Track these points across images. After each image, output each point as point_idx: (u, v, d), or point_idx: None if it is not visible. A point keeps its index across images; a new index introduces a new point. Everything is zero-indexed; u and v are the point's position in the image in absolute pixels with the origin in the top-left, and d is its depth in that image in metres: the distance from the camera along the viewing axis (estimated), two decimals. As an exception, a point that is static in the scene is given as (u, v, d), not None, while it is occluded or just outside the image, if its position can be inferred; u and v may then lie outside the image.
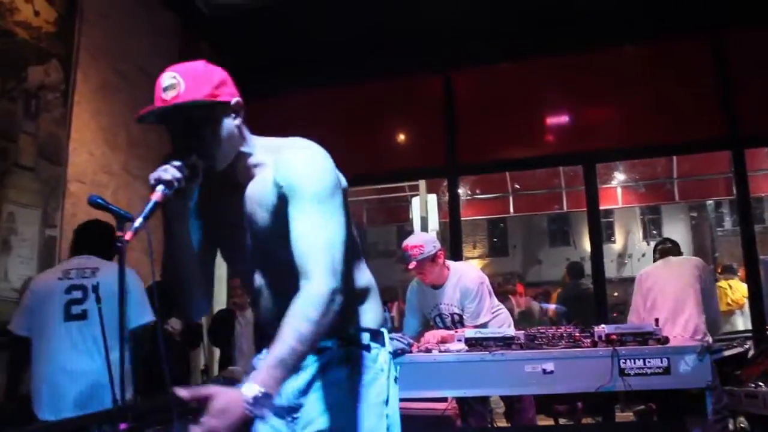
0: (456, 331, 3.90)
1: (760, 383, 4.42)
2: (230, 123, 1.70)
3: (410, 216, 11.90)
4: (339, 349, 1.74)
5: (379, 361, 1.78)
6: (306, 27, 6.02)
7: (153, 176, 1.61)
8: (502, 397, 4.75)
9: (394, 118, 6.70)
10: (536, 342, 3.53)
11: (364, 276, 1.83)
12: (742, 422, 4.74)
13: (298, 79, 6.67)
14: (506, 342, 3.51)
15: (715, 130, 5.94)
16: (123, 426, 2.23)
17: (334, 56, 6.29)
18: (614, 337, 3.47)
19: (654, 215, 20.10)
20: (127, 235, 1.55)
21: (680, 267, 5.08)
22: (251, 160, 1.74)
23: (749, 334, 5.84)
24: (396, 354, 3.29)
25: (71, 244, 3.81)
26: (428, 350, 3.62)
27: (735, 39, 5.94)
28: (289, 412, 1.75)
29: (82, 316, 3.34)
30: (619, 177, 10.46)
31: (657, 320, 3.93)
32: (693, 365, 3.42)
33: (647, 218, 20.32)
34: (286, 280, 1.63)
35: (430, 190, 8.83)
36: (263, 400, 1.40)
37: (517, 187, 10.35)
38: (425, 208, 8.56)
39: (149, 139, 5.90)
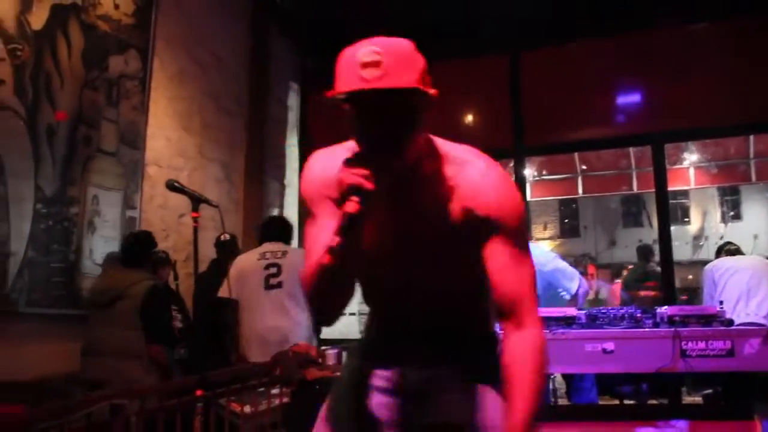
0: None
1: (833, 368, 4.32)
2: (424, 120, 1.45)
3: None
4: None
5: None
6: (374, 11, 6.11)
7: (349, 180, 1.37)
8: (564, 377, 4.78)
9: (462, 100, 6.73)
10: (597, 322, 3.57)
11: None
12: (814, 408, 4.64)
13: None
14: (567, 321, 3.56)
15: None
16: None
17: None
18: (676, 318, 3.47)
19: (732, 196, 19.44)
20: (330, 248, 1.38)
21: (750, 259, 5.08)
22: (428, 162, 1.52)
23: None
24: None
25: (260, 232, 4.76)
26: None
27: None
28: None
29: (278, 286, 4.37)
30: (692, 157, 10.20)
31: (722, 302, 3.89)
32: (758, 348, 3.39)
33: (725, 199, 19.66)
34: (436, 303, 1.58)
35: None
36: None
37: (585, 168, 10.22)
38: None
39: (222, 122, 6.14)
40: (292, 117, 7.08)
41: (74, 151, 4.41)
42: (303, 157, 7.06)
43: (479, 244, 1.48)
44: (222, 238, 4.98)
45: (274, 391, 3.80)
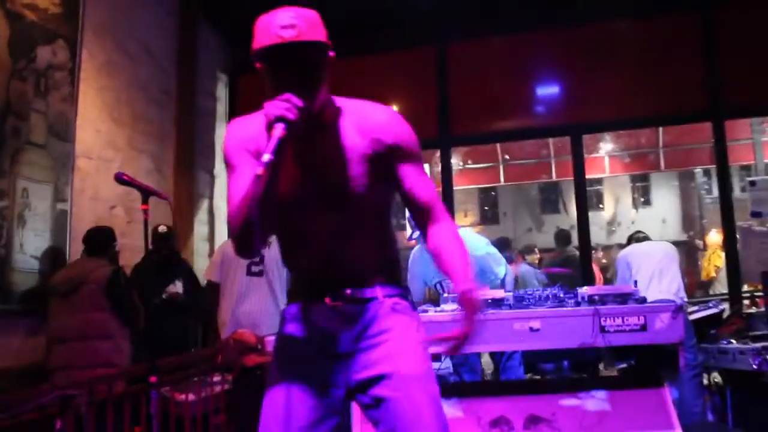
0: (445, 293, 4.18)
1: (732, 340, 4.74)
2: (327, 74, 1.77)
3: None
4: (407, 298, 1.94)
5: None
6: (304, 4, 6.18)
7: (273, 113, 1.63)
8: (492, 357, 5.04)
9: (389, 90, 6.90)
10: (524, 302, 3.81)
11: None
12: (716, 377, 5.06)
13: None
14: (496, 302, 3.79)
15: (698, 103, 6.19)
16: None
17: (330, 33, 6.47)
18: (596, 297, 3.75)
19: (642, 183, 20.36)
20: (259, 170, 1.57)
21: (660, 244, 5.60)
22: (331, 110, 1.83)
23: (725, 297, 6.17)
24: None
25: None
26: (424, 311, 3.90)
27: (719, 17, 6.16)
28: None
29: (259, 274, 4.80)
30: (606, 147, 10.74)
31: (636, 282, 4.22)
32: (668, 322, 3.71)
33: (636, 186, 20.57)
34: (352, 223, 1.84)
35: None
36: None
37: (507, 157, 10.60)
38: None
39: (151, 113, 6.11)
40: (221, 108, 7.09)
41: (2, 143, 4.35)
42: (233, 148, 7.10)
43: (388, 171, 1.84)
44: (159, 229, 5.02)
45: (216, 378, 3.90)
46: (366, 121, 1.84)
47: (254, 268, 4.76)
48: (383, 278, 1.90)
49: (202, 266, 6.14)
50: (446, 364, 4.76)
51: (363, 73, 6.58)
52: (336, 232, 1.84)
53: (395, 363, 1.80)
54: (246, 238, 1.75)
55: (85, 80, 5.21)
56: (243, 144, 1.83)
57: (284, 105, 1.63)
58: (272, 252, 4.72)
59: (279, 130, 1.61)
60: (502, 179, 11.33)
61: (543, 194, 21.33)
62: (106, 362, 3.89)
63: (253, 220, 1.67)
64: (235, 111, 7.12)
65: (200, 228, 6.56)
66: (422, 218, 1.88)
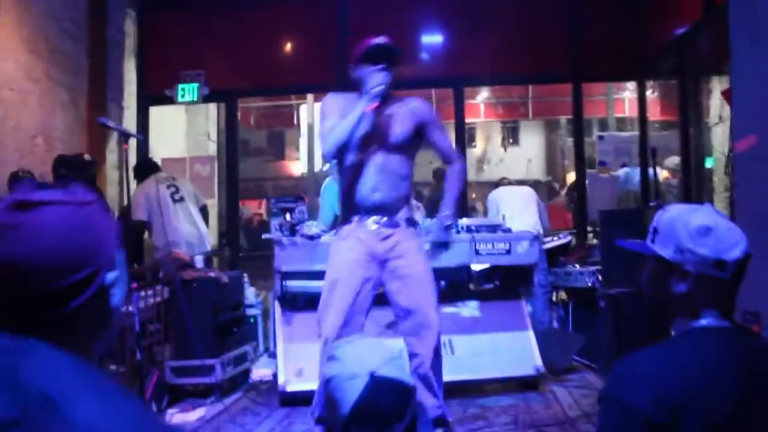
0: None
1: (576, 265, 5.87)
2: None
3: (295, 122, 12.72)
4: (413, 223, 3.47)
5: None
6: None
7: (376, 91, 3.16)
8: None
9: (294, 37, 7.51)
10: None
11: None
12: (562, 294, 6.22)
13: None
14: (393, 230, 4.62)
15: (560, 66, 7.22)
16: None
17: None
18: (472, 227, 4.66)
19: (513, 125, 21.76)
20: (368, 109, 3.18)
21: (521, 187, 6.96)
22: (392, 95, 3.36)
23: (573, 230, 7.37)
24: (314, 237, 4.36)
25: (142, 168, 5.93)
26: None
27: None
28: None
29: (181, 200, 5.61)
30: (482, 95, 11.80)
31: (503, 217, 5.18)
32: (526, 248, 4.69)
33: (507, 127, 21.93)
34: (394, 161, 3.29)
35: (316, 100, 9.71)
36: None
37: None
38: (312, 115, 9.44)
39: (66, 47, 6.37)
40: (129, 43, 7.38)
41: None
42: (141, 82, 7.43)
43: (421, 134, 3.37)
44: (85, 157, 5.46)
45: (150, 292, 4.50)
46: (410, 103, 3.40)
47: (176, 196, 5.49)
48: (404, 208, 3.36)
49: (112, 193, 6.60)
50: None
51: (267, 22, 7.14)
52: (381, 166, 3.25)
53: (413, 267, 3.32)
54: (339, 149, 3.24)
55: (5, 12, 5.45)
56: (339, 103, 3.32)
57: (383, 78, 3.16)
58: (187, 184, 5.71)
59: (379, 89, 3.15)
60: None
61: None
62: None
63: (346, 140, 3.21)
64: (143, 47, 7.44)
65: (111, 156, 6.92)
66: (443, 158, 3.57)
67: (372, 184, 3.27)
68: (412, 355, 3.28)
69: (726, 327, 1.46)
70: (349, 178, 3.31)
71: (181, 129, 8.80)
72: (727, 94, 4.83)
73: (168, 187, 5.56)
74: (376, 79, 3.16)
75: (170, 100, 7.29)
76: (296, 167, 17.17)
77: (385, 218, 3.30)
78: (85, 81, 6.63)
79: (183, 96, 7.20)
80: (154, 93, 7.40)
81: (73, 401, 0.88)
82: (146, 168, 5.80)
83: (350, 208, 3.35)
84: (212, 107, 8.80)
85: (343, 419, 1.48)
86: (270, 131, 17.33)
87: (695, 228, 1.45)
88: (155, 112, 7.68)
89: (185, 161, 7.75)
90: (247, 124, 13.28)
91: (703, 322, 1.46)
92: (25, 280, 0.94)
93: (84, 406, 0.88)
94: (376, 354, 1.54)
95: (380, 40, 3.26)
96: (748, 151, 3.42)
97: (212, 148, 8.90)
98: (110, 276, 1.02)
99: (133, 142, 7.04)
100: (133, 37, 7.45)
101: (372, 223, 3.29)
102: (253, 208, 13.58)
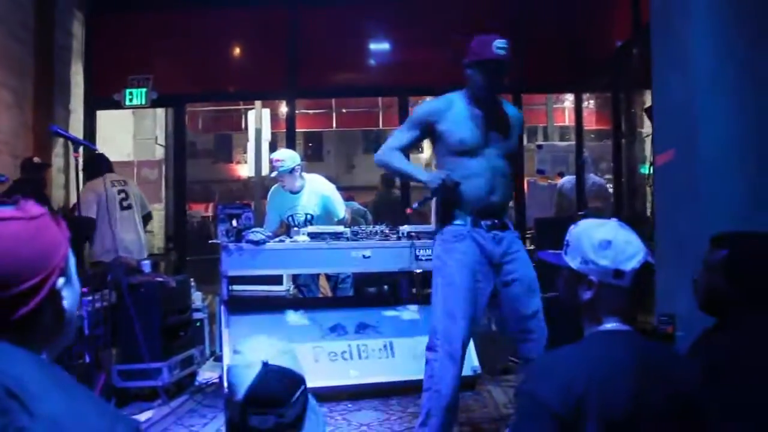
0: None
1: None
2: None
3: (243, 126, 12.77)
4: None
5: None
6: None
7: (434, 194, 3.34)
8: (328, 280, 6.06)
9: (244, 43, 7.62)
10: (358, 236, 4.82)
11: None
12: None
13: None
14: (336, 235, 4.78)
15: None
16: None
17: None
18: (413, 233, 4.85)
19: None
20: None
21: None
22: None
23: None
24: (258, 242, 4.49)
25: (94, 165, 5.68)
26: (281, 240, 4.81)
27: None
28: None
29: (129, 207, 5.62)
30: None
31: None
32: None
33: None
34: (505, 165, 3.31)
35: (264, 106, 9.82)
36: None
37: (345, 111, 11.61)
38: (260, 120, 9.54)
39: (12, 48, 6.34)
40: (77, 45, 7.35)
41: None
42: (88, 85, 7.42)
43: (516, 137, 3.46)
44: (34, 160, 5.52)
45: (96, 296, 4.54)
46: (507, 108, 3.44)
47: (125, 203, 5.53)
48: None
49: (57, 195, 6.59)
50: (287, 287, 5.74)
51: (219, 28, 7.25)
52: (496, 169, 3.26)
53: (525, 270, 3.28)
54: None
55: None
56: (429, 117, 3.32)
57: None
58: (135, 189, 5.76)
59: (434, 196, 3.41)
60: (334, 125, 12.32)
61: (365, 135, 22.32)
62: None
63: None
64: (91, 50, 7.42)
65: (56, 160, 6.89)
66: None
67: (489, 186, 3.24)
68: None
69: (626, 330, 1.67)
70: (461, 179, 3.22)
71: (128, 132, 8.80)
72: (649, 112, 5.14)
73: (119, 192, 5.55)
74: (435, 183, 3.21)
75: (118, 105, 7.29)
76: (244, 170, 17.19)
77: (497, 221, 3.28)
78: (30, 84, 6.61)
79: (131, 100, 7.21)
80: (102, 96, 7.38)
81: (36, 395, 0.99)
82: (98, 165, 5.62)
83: (461, 209, 3.26)
84: (160, 111, 8.82)
85: (239, 403, 1.70)
86: (217, 134, 17.32)
87: (597, 242, 1.66)
88: (102, 115, 7.66)
89: (133, 165, 7.76)
90: (195, 128, 13.27)
91: (608, 326, 1.66)
92: None
93: (47, 400, 0.99)
94: (271, 347, 1.78)
95: (501, 46, 3.19)
96: (666, 165, 3.69)
97: (159, 152, 8.92)
98: (60, 281, 1.12)
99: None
100: (80, 39, 7.42)
101: (487, 225, 3.24)
102: (199, 211, 13.56)
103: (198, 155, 16.12)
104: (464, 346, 3.20)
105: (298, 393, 1.72)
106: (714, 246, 2.10)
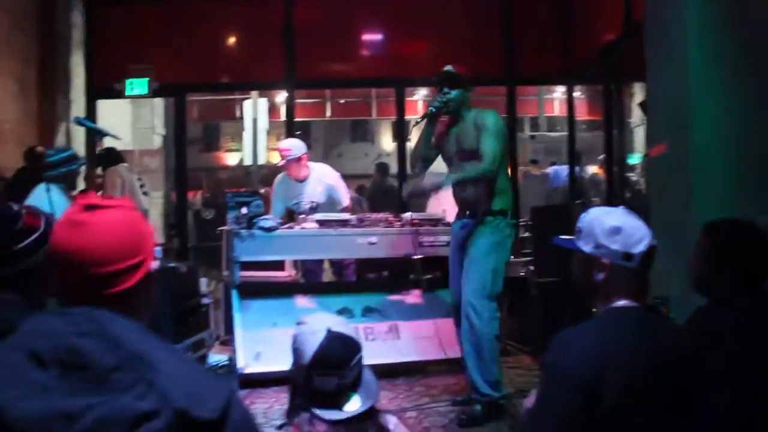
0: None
1: (511, 256, 6.29)
2: (466, 94, 4.09)
3: (237, 115, 12.88)
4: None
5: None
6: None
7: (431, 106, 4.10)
8: (332, 266, 6.25)
9: (243, 34, 7.75)
10: (364, 223, 5.00)
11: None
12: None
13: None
14: (344, 222, 4.95)
15: (494, 70, 7.65)
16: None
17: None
18: (416, 220, 5.03)
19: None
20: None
21: None
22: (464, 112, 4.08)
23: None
24: (270, 229, 4.65)
25: (112, 156, 5.85)
26: (291, 227, 4.97)
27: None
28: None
29: (146, 194, 6.06)
30: (421, 92, 12.24)
31: (444, 210, 5.57)
32: (466, 240, 5.08)
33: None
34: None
35: (261, 95, 9.94)
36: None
37: (342, 101, 11.73)
38: (257, 110, 9.66)
39: (16, 38, 6.44)
40: (77, 35, 7.45)
41: None
42: (89, 73, 7.52)
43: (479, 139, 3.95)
44: (37, 149, 5.60)
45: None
46: (473, 114, 4.05)
47: (144, 189, 5.95)
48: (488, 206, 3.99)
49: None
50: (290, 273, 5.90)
51: (219, 18, 7.37)
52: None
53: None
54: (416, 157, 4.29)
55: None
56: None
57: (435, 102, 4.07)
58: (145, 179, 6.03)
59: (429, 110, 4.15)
60: (328, 114, 12.44)
61: (354, 124, 22.38)
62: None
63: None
64: (91, 39, 7.52)
65: (60, 148, 7.01)
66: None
67: None
68: None
69: (636, 307, 1.86)
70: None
71: (127, 121, 8.90)
72: (643, 105, 5.34)
73: (138, 178, 5.92)
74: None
75: (119, 94, 7.39)
76: (232, 158, 17.32)
77: None
78: (34, 73, 6.71)
79: (132, 89, 7.31)
80: (102, 86, 7.49)
81: (155, 357, 1.19)
82: (114, 155, 5.96)
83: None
84: (158, 101, 8.92)
85: (304, 366, 1.90)
86: (205, 123, 17.40)
87: (608, 228, 1.85)
88: (100, 104, 7.76)
89: (134, 154, 7.87)
90: (189, 117, 13.35)
91: (619, 303, 1.85)
92: (92, 263, 1.24)
93: (164, 360, 1.19)
94: (331, 318, 2.05)
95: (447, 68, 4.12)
96: (659, 157, 3.90)
97: (158, 141, 9.03)
98: (153, 264, 1.32)
99: (79, 135, 7.18)
100: (81, 29, 7.51)
101: None
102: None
103: (189, 143, 16.15)
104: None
105: (357, 357, 1.92)
106: (704, 233, 2.31)
